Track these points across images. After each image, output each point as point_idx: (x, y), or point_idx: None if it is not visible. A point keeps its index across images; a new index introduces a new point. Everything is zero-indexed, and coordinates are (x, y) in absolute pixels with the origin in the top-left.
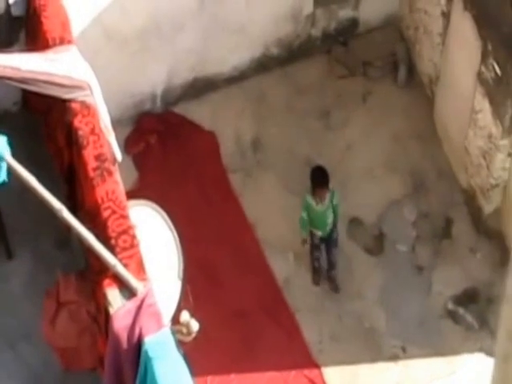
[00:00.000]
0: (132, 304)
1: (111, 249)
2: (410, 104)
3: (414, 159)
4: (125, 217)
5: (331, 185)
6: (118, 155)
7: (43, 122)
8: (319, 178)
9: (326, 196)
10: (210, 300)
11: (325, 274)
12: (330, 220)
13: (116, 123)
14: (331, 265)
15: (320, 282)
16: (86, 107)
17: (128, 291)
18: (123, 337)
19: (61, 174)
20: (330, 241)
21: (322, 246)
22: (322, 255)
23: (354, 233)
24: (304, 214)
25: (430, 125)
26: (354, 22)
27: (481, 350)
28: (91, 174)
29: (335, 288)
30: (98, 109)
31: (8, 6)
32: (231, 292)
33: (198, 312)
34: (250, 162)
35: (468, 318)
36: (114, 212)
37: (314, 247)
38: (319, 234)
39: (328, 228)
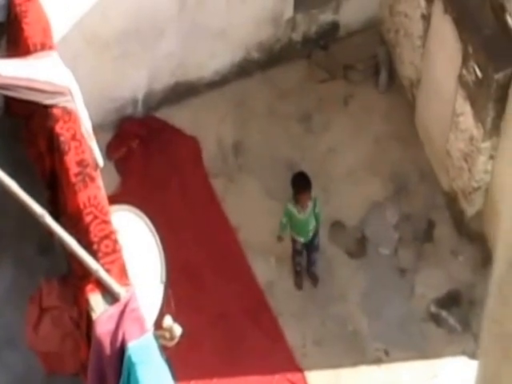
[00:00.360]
0: (115, 309)
1: (93, 254)
2: (392, 107)
3: (396, 162)
4: (107, 222)
5: (313, 191)
6: (100, 160)
7: (24, 127)
8: (301, 184)
9: (309, 203)
10: (193, 304)
11: (305, 271)
12: (311, 227)
13: (97, 128)
14: (311, 263)
15: (302, 286)
16: (68, 113)
17: (111, 296)
18: (106, 342)
19: (42, 179)
20: (311, 246)
21: (304, 251)
22: (304, 259)
23: (336, 236)
24: (284, 220)
25: (411, 128)
26: (334, 26)
27: (463, 352)
28: (73, 179)
29: (315, 281)
30: (80, 114)
31: None
32: (214, 296)
33: (181, 316)
34: (231, 167)
35: (451, 320)
36: (96, 217)
37: (296, 253)
38: (301, 240)
39: (310, 234)
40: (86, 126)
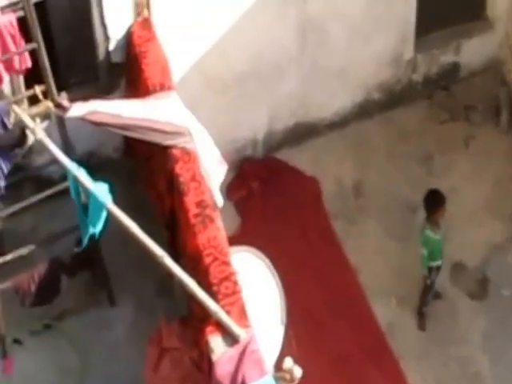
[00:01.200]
0: (234, 351)
1: (213, 295)
2: None
3: None
4: (226, 263)
5: None
6: (220, 201)
7: (144, 169)
8: (438, 200)
9: (442, 220)
10: (313, 346)
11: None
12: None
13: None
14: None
15: (426, 328)
16: (187, 153)
17: (230, 338)
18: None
19: (162, 220)
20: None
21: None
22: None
23: (458, 277)
24: (426, 252)
25: None
26: (455, 67)
27: None
28: (192, 220)
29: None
30: (200, 154)
31: (108, 52)
32: (334, 338)
33: (301, 358)
34: (351, 208)
35: None
36: (215, 258)
37: (430, 288)
38: (439, 263)
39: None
40: (210, 165)
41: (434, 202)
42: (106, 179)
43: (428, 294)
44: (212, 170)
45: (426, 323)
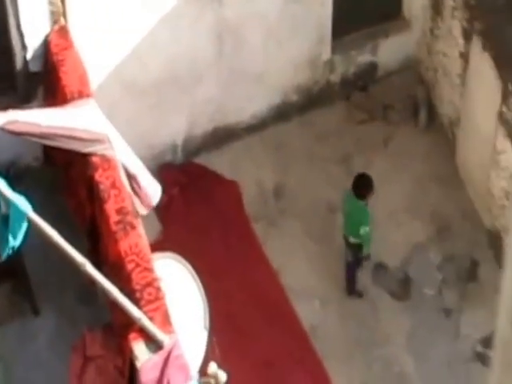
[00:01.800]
0: (159, 357)
1: (136, 302)
2: (431, 147)
3: (437, 202)
4: (149, 269)
5: None
6: (142, 209)
7: (64, 177)
8: (365, 184)
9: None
10: (237, 350)
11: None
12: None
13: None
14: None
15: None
16: (107, 161)
17: (154, 344)
18: None
19: (82, 227)
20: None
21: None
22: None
23: (380, 278)
24: (367, 229)
25: (451, 167)
26: (372, 67)
27: None
28: (114, 227)
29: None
30: (119, 162)
31: (25, 61)
32: (258, 341)
33: (225, 362)
34: (272, 210)
35: None
36: (138, 265)
37: (358, 262)
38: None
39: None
40: (133, 168)
41: (363, 185)
42: (27, 188)
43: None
44: (140, 173)
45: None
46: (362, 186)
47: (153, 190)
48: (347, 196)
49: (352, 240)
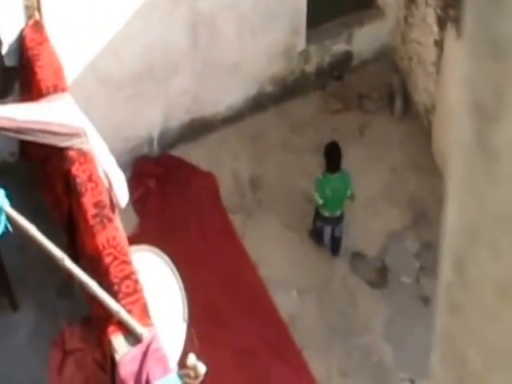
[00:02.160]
0: (138, 350)
1: (114, 295)
2: (408, 135)
3: (414, 190)
4: (127, 262)
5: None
6: (124, 201)
7: (41, 171)
8: (336, 152)
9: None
10: (216, 341)
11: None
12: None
13: None
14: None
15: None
16: (83, 154)
17: (133, 337)
18: (130, 383)
19: (60, 222)
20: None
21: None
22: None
23: (357, 266)
24: (319, 199)
25: (428, 154)
26: (347, 56)
27: None
28: (91, 221)
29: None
30: (97, 155)
31: (1, 56)
32: (237, 332)
33: (205, 354)
34: (249, 202)
35: None
36: (115, 258)
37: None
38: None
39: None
40: (108, 166)
41: (335, 153)
42: (3, 183)
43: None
44: (112, 169)
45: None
46: (338, 154)
47: (122, 192)
48: (324, 180)
49: (337, 213)
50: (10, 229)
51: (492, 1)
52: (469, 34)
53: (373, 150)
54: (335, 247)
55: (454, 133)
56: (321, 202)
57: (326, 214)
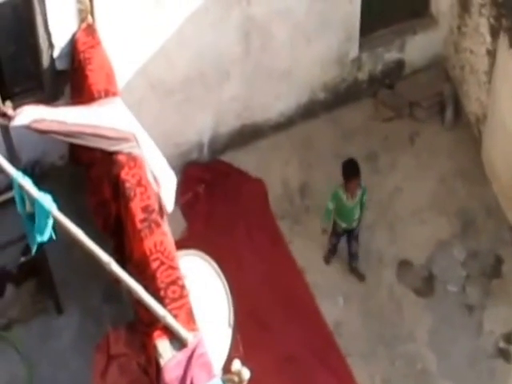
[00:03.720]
0: (182, 355)
1: (160, 300)
2: (457, 144)
3: (462, 199)
4: (173, 267)
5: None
6: (170, 206)
7: (86, 175)
8: (351, 171)
9: (357, 192)
10: (261, 347)
11: (349, 266)
12: (356, 216)
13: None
14: (352, 256)
15: (330, 262)
16: (133, 159)
17: (178, 342)
18: None
19: (106, 226)
20: (351, 235)
21: (343, 237)
22: (340, 243)
23: (404, 275)
24: (330, 205)
25: (477, 164)
26: (399, 64)
27: None
28: (139, 225)
29: (360, 277)
30: (145, 160)
31: (52, 60)
32: (282, 338)
33: (249, 360)
34: (298, 208)
35: None
36: (162, 263)
37: (335, 234)
38: (343, 225)
39: (353, 224)
40: (158, 170)
41: (349, 172)
42: (52, 187)
43: (333, 236)
44: (161, 174)
45: (331, 258)
46: (356, 170)
47: (169, 197)
48: (340, 193)
49: (354, 225)
50: (54, 237)
51: None
52: None
53: (422, 159)
54: (352, 259)
55: None
56: (331, 206)
57: (343, 225)
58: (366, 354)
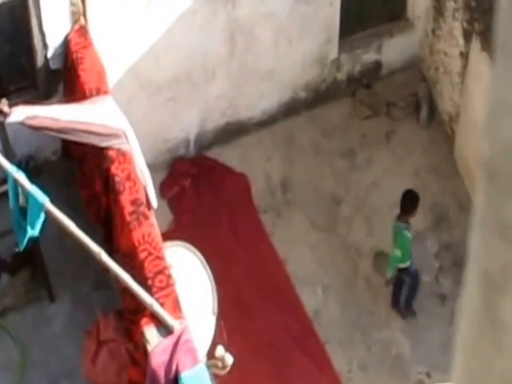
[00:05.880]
0: (169, 341)
1: (148, 289)
2: (432, 142)
3: (436, 194)
4: (161, 258)
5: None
6: (154, 201)
7: (78, 170)
8: (415, 202)
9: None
10: (243, 334)
11: (403, 304)
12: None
13: (150, 168)
14: (414, 292)
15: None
16: (122, 154)
17: (165, 329)
18: (160, 372)
19: (97, 219)
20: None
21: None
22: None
23: (380, 265)
24: (398, 252)
25: (450, 161)
26: (377, 65)
27: None
28: (128, 218)
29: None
30: (134, 155)
31: (46, 59)
32: (263, 325)
33: (232, 346)
34: (279, 202)
35: None
36: (150, 254)
37: (402, 284)
38: (408, 264)
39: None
40: (141, 167)
41: (411, 202)
42: (45, 180)
43: (402, 287)
44: (146, 170)
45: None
46: (411, 201)
47: (152, 193)
48: (402, 229)
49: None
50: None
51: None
52: (478, 215)
53: (398, 155)
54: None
55: (463, 299)
56: (399, 253)
57: (408, 263)
58: (344, 340)
